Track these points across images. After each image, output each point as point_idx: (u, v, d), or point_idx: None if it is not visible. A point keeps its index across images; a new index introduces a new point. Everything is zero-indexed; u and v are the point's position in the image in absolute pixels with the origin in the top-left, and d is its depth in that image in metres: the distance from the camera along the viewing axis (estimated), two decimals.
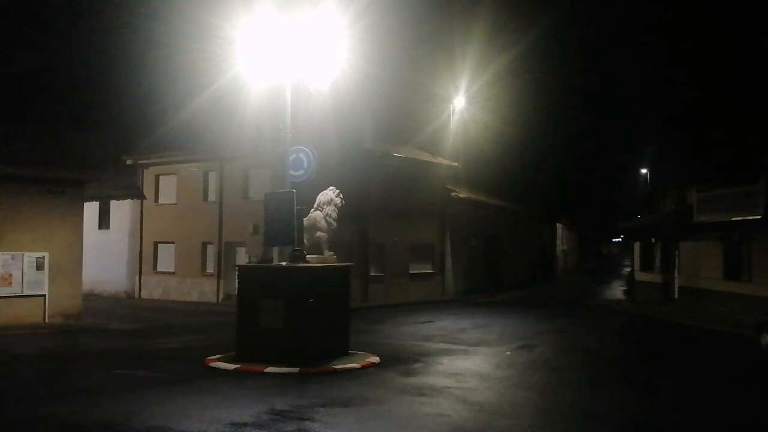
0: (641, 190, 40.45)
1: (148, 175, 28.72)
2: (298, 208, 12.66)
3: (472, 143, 33.68)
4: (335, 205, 13.44)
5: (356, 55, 15.18)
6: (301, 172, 13.68)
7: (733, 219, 20.75)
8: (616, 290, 37.50)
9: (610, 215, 50.73)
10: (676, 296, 26.68)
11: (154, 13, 22.13)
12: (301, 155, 13.77)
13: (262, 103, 15.84)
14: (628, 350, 16.85)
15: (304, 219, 13.12)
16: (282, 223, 12.65)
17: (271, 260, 13.28)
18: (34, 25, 24.81)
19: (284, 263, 12.73)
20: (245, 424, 7.80)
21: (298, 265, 12.39)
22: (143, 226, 28.40)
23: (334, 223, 13.40)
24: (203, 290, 26.63)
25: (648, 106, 32.29)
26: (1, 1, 23.49)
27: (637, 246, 32.29)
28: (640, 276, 31.06)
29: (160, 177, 28.58)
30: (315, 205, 13.43)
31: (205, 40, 15.66)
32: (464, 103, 32.76)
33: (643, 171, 40.01)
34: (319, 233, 13.17)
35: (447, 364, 12.68)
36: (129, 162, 28.25)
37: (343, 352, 12.68)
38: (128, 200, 27.70)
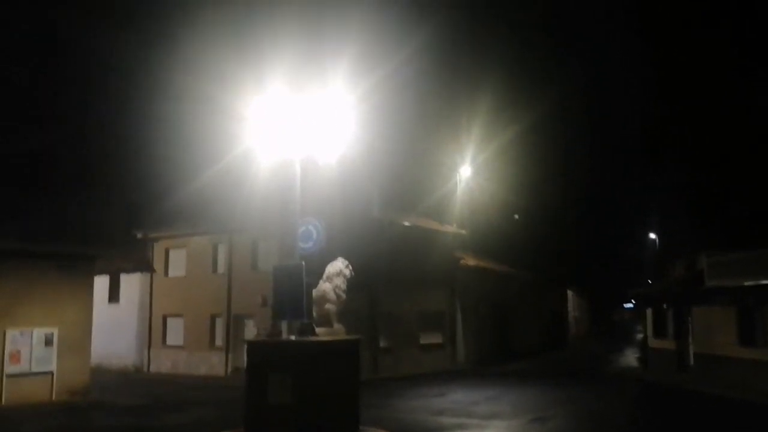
0: (651, 255, 40.32)
1: (158, 249, 28.86)
2: (307, 280, 12.65)
3: (479, 211, 33.85)
4: (344, 276, 13.42)
5: (364, 129, 15.46)
6: (310, 244, 13.72)
7: (745, 283, 20.59)
8: (629, 357, 36.89)
9: (621, 281, 50.45)
10: (692, 363, 26.20)
11: (166, 90, 22.71)
12: (310, 227, 13.86)
13: (271, 176, 16.02)
14: (646, 421, 16.46)
15: (313, 291, 13.09)
16: (291, 296, 12.60)
17: (280, 333, 13.18)
18: (47, 101, 25.41)
19: (293, 337, 12.64)
20: None
21: (307, 339, 12.30)
22: (152, 300, 28.37)
23: (344, 295, 13.36)
24: (212, 364, 26.38)
25: (655, 171, 32.59)
26: (16, 77, 24.11)
27: (649, 312, 31.95)
28: (653, 343, 30.60)
29: (170, 250, 28.71)
30: (324, 277, 13.42)
31: (215, 116, 16.00)
32: (471, 172, 33.07)
33: (652, 236, 39.96)
34: (328, 305, 13.12)
35: None
36: (139, 236, 28.47)
37: (354, 428, 12.44)
38: (138, 273, 27.78)
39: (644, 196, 39.22)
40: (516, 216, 31.84)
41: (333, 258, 13.58)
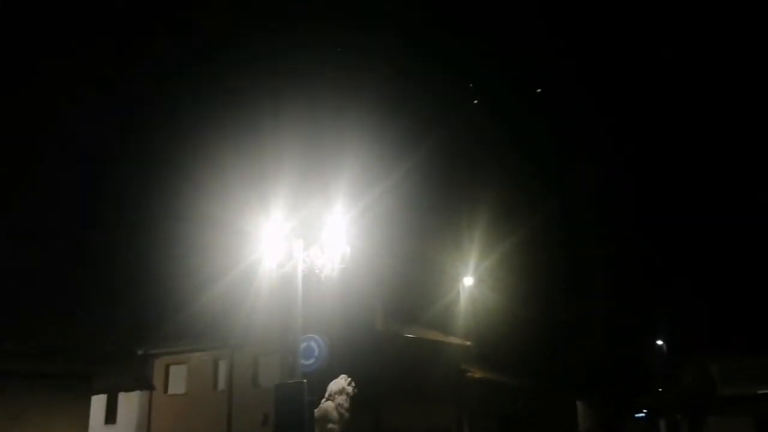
0: (660, 361, 39.55)
1: (159, 365, 28.36)
2: (309, 399, 12.35)
3: (483, 320, 33.48)
4: (347, 394, 13.11)
5: (366, 242, 15.54)
6: (312, 360, 13.51)
7: (759, 391, 20.09)
8: None
9: (631, 389, 49.17)
10: None
11: (164, 207, 23.02)
12: (312, 344, 13.67)
13: (272, 291, 15.96)
14: None
15: (315, 410, 12.76)
16: (293, 415, 12.28)
17: None
18: (45, 209, 25.59)
19: None
20: None
21: None
22: (151, 420, 27.58)
23: (347, 414, 13.00)
24: None
25: (664, 277, 32.55)
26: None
27: (662, 424, 30.99)
28: None
29: (171, 366, 28.22)
30: (326, 395, 13.11)
31: (216, 232, 16.13)
32: (473, 281, 32.96)
33: (659, 342, 39.36)
34: (330, 425, 12.75)
35: None
36: (140, 352, 28.03)
37: None
38: (137, 392, 27.15)
39: (654, 299, 38.86)
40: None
41: (335, 375, 13.31)
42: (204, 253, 20.27)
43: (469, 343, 32.13)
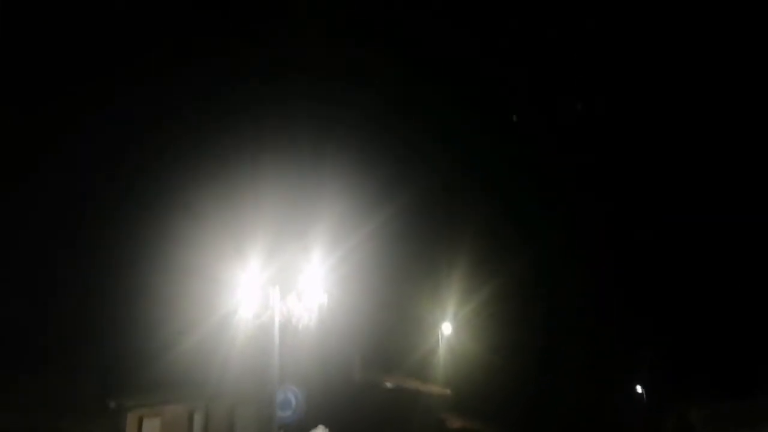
0: (642, 410, 39.39)
1: (131, 418, 27.62)
2: None
3: (462, 369, 33.28)
4: None
5: (343, 290, 15.49)
6: (289, 412, 13.36)
7: None
8: None
9: None
10: None
11: (137, 254, 22.80)
12: (289, 395, 13.54)
13: (249, 341, 15.81)
14: None
15: None
16: None
17: None
18: (20, 270, 25.24)
19: None
20: None
21: None
22: None
23: None
24: None
25: (640, 323, 32.69)
26: None
27: None
28: None
29: (144, 419, 27.51)
30: None
31: (192, 282, 16.01)
32: (452, 329, 32.86)
33: (639, 390, 39.29)
34: None
35: None
36: (113, 405, 27.37)
37: None
38: None
39: (632, 348, 38.89)
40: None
41: (313, 426, 13.15)
42: (179, 302, 20.03)
43: (448, 391, 31.82)
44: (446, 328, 32.66)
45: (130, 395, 27.39)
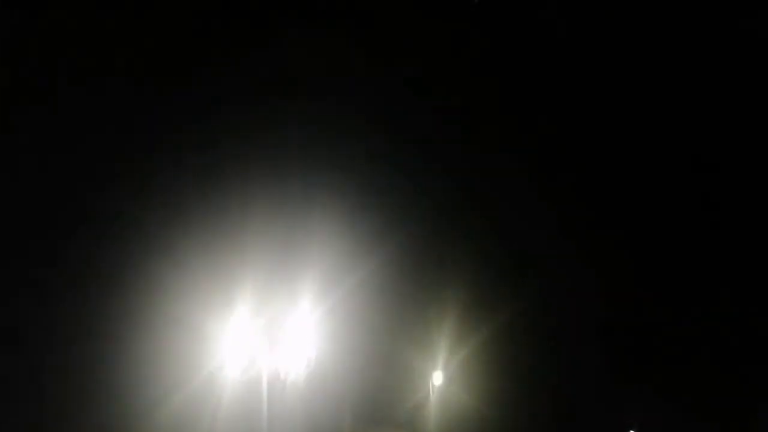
0: None
1: None
2: None
3: (454, 420, 32.76)
4: None
5: (332, 343, 15.23)
6: None
7: None
8: None
9: None
10: None
11: (121, 309, 22.33)
12: None
13: (236, 398, 15.46)
14: None
15: None
16: None
17: None
18: None
19: None
20: None
21: None
22: None
23: None
24: None
25: (636, 378, 32.40)
26: None
27: None
28: None
29: None
30: None
31: (176, 336, 15.69)
32: (444, 380, 32.41)
33: None
34: None
35: None
36: None
37: None
38: None
39: (626, 403, 38.43)
40: None
41: None
42: (164, 358, 19.56)
43: None
44: (437, 378, 32.19)
45: None
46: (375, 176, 29.90)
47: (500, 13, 28.53)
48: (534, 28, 28.39)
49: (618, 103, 29.53)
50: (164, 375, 19.42)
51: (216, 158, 25.64)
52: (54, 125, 21.62)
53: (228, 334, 13.25)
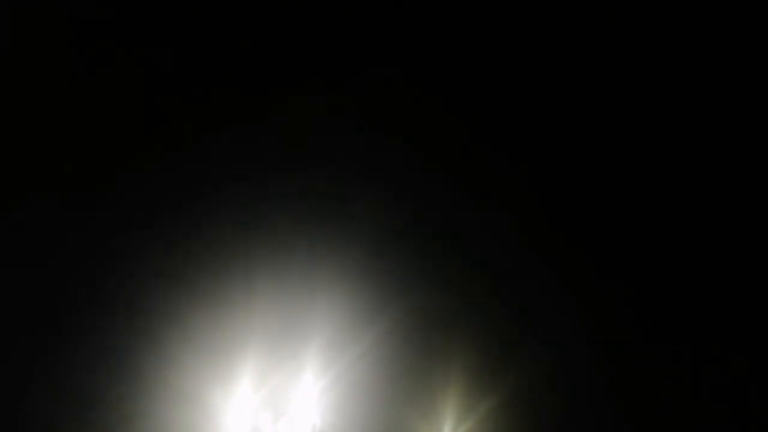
0: None
1: None
2: None
3: None
4: None
5: (338, 413, 15.06)
6: None
7: None
8: None
9: None
10: None
11: (120, 380, 22.02)
12: None
13: None
14: None
15: None
16: None
17: None
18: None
19: None
20: None
21: None
22: None
23: None
24: None
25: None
26: None
27: None
28: None
29: None
30: None
31: (181, 406, 15.44)
32: None
33: None
34: None
35: None
36: None
37: None
38: None
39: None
40: None
41: None
42: (167, 430, 19.23)
43: None
44: None
45: None
46: (380, 244, 29.96)
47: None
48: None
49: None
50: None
51: (218, 230, 25.77)
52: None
53: (231, 405, 13.18)
